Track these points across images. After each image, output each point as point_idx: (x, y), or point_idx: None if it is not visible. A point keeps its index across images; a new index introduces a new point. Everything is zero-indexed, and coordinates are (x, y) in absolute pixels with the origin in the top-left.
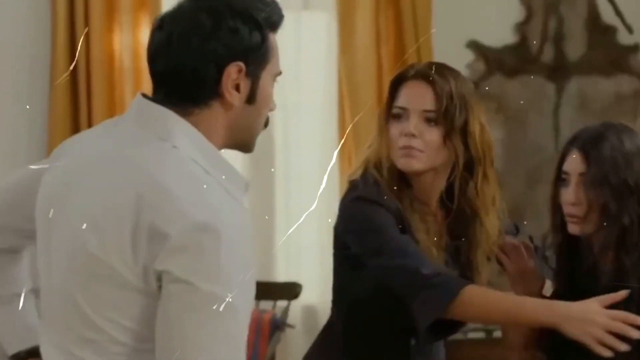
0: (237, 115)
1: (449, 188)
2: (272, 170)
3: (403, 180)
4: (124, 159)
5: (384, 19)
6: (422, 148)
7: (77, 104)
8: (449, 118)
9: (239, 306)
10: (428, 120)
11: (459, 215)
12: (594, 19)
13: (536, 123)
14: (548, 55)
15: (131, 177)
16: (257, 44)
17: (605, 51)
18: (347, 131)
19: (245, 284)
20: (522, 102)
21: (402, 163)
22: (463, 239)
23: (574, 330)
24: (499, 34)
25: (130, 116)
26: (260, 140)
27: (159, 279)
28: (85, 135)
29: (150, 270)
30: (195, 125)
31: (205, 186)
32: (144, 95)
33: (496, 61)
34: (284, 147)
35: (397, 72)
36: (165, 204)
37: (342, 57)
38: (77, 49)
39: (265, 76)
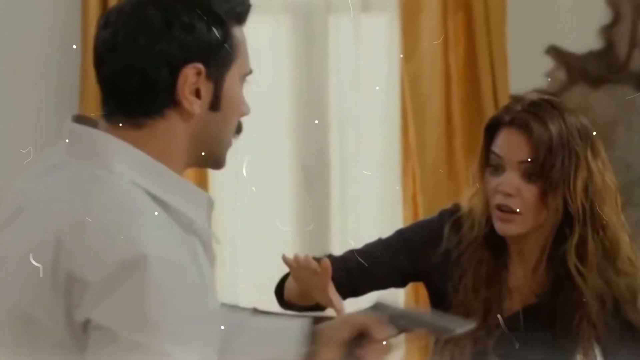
0: (199, 125)
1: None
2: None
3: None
4: (48, 202)
5: (452, 22)
6: (519, 209)
7: None
8: (545, 173)
9: (173, 354)
10: (526, 174)
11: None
12: None
13: (624, 138)
14: (637, 62)
15: (52, 221)
16: (218, 41)
17: None
18: (411, 148)
19: (182, 328)
20: (608, 115)
21: (499, 227)
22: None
23: None
24: (582, 38)
25: (61, 146)
26: (314, 160)
27: (85, 330)
28: (18, 180)
29: (75, 323)
30: (149, 139)
31: (134, 217)
32: (78, 118)
33: (579, 69)
34: (341, 166)
35: (491, 117)
36: (83, 245)
37: (405, 66)
38: None
39: (230, 78)
